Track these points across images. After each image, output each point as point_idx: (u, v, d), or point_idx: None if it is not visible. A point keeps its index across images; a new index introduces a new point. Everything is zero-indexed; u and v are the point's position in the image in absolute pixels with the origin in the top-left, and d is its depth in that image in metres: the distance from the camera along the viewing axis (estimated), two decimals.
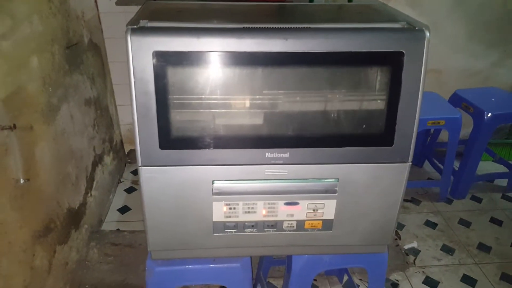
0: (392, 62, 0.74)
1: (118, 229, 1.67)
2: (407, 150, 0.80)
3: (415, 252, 1.69)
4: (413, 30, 0.74)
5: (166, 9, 0.90)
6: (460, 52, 2.10)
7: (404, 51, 0.73)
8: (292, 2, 1.56)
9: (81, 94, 1.54)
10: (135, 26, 0.70)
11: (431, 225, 1.85)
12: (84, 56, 1.59)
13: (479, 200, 2.02)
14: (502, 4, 2.00)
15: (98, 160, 1.71)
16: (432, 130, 2.16)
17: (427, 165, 2.20)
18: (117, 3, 1.70)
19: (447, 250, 1.70)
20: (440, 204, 1.98)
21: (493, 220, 1.88)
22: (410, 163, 0.82)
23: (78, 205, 1.47)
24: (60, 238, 1.29)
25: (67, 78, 1.40)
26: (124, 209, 1.85)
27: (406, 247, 1.70)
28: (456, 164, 1.97)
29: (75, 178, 1.44)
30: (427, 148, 2.20)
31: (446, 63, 2.09)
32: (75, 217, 1.44)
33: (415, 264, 1.63)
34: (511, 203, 1.99)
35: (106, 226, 1.72)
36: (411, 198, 2.01)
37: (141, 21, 0.72)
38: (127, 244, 1.54)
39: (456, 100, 1.95)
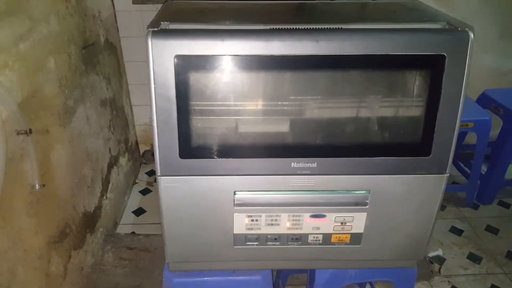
0: (432, 66, 0.68)
1: (133, 232, 1.66)
2: (446, 161, 0.74)
3: (440, 260, 1.61)
4: (456, 31, 0.67)
5: (187, 9, 0.86)
6: (489, 50, 1.99)
7: (445, 54, 0.66)
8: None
9: (97, 95, 1.52)
10: (156, 29, 0.65)
11: (457, 231, 1.76)
12: (100, 56, 1.56)
13: (507, 206, 1.92)
14: None
15: (113, 162, 1.70)
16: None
17: (452, 168, 2.09)
18: (133, 2, 1.67)
19: (474, 258, 1.62)
20: (466, 209, 1.89)
21: None
22: (448, 175, 0.76)
23: (93, 208, 1.45)
24: (75, 243, 1.28)
25: (83, 79, 1.38)
26: (139, 211, 1.83)
27: (430, 255, 1.63)
28: (483, 168, 1.87)
29: (90, 181, 1.42)
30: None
31: (475, 62, 1.97)
32: (90, 220, 1.42)
33: (440, 273, 1.55)
34: None
35: (121, 229, 1.71)
36: (442, 199, 1.92)
37: (162, 23, 0.68)
38: (142, 248, 1.51)
39: (485, 101, 1.85)
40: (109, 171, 1.63)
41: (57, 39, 1.18)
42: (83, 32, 1.39)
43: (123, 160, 1.83)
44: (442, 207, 1.89)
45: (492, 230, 1.78)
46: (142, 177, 2.05)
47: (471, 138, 1.89)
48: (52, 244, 1.13)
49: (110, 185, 1.64)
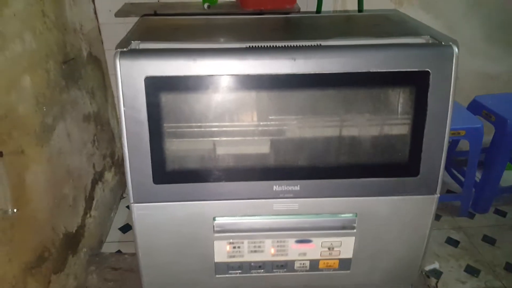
0: (416, 83, 0.65)
1: (119, 251, 1.60)
2: (435, 181, 0.71)
3: (437, 274, 1.57)
4: (440, 46, 0.65)
5: (162, 26, 0.83)
6: (478, 55, 1.98)
7: (429, 70, 0.63)
8: (299, 11, 1.47)
9: (80, 110, 1.48)
10: (125, 49, 0.62)
11: (453, 243, 1.72)
12: (82, 70, 1.52)
13: (503, 214, 1.88)
14: None
15: (98, 178, 1.64)
16: (450, 140, 2.04)
17: (446, 176, 2.07)
18: (116, 15, 1.63)
19: (472, 271, 1.58)
20: (462, 219, 1.85)
21: None
22: (438, 195, 0.72)
23: (76, 228, 1.40)
24: (55, 266, 1.22)
25: (63, 95, 1.33)
26: (126, 228, 1.78)
27: (427, 268, 1.58)
28: (478, 175, 1.84)
29: (72, 200, 1.37)
30: (446, 158, 2.07)
31: (463, 68, 1.96)
32: (72, 241, 1.36)
33: None
34: None
35: (106, 247, 1.65)
36: (433, 221, 1.88)
37: (132, 42, 0.64)
38: (127, 268, 1.45)
39: (476, 107, 1.83)
40: (93, 188, 1.58)
41: (34, 55, 1.14)
42: (63, 47, 1.35)
43: (108, 175, 1.78)
44: (437, 217, 1.85)
45: (489, 240, 1.74)
46: None
47: (464, 144, 1.87)
48: (29, 270, 1.07)
49: (94, 202, 1.58)
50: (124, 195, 1.96)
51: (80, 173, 1.45)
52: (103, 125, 1.73)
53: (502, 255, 1.62)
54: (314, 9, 1.60)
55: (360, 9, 1.50)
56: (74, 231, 1.37)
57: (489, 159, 1.77)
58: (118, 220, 1.80)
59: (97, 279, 1.42)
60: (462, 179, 1.82)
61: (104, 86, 1.76)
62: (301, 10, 1.58)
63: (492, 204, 1.86)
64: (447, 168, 2.03)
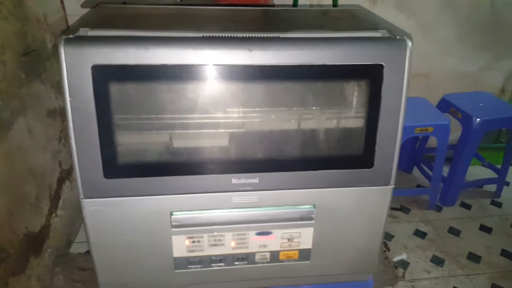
0: (370, 76, 0.66)
1: (88, 251, 1.55)
2: (389, 172, 0.72)
3: (405, 264, 1.61)
4: (394, 40, 0.66)
5: (119, 14, 0.80)
6: (450, 55, 2.04)
7: (383, 63, 0.64)
8: (273, 6, 1.46)
9: (43, 105, 1.41)
10: (70, 36, 0.59)
11: (421, 234, 1.78)
12: (47, 63, 1.46)
13: (468, 207, 1.96)
14: (489, 5, 1.95)
15: (65, 176, 1.58)
16: (420, 137, 2.10)
17: (416, 172, 2.14)
18: (82, 6, 1.57)
19: (437, 261, 1.63)
20: (430, 212, 1.91)
21: (482, 228, 1.82)
22: (393, 186, 0.74)
23: (39, 228, 1.34)
24: (14, 268, 1.16)
25: (23, 89, 1.27)
26: None
27: (395, 259, 1.63)
28: (446, 170, 1.90)
29: (34, 198, 1.31)
30: (416, 154, 2.14)
31: (435, 67, 2.03)
32: (35, 242, 1.31)
33: (404, 278, 1.55)
34: (499, 209, 1.93)
35: (76, 247, 1.59)
36: (400, 206, 1.93)
37: (81, 29, 0.61)
38: None
39: (444, 105, 1.89)
40: (59, 186, 1.52)
41: None
42: (23, 37, 1.29)
43: None
44: (407, 210, 1.91)
45: (454, 231, 1.81)
46: None
47: (434, 141, 1.93)
48: None
49: (60, 201, 1.52)
50: None
51: (44, 171, 1.39)
52: None
53: (466, 245, 1.69)
54: (291, 4, 1.60)
55: (335, 4, 1.51)
56: (37, 231, 1.31)
57: (456, 155, 1.84)
58: None
59: (63, 280, 1.37)
60: (431, 174, 1.88)
61: None
62: (279, 3, 1.57)
63: (458, 197, 1.93)
64: (417, 164, 2.10)
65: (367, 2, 1.86)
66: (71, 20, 1.68)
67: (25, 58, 1.28)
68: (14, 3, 1.23)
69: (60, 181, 1.53)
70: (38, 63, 1.38)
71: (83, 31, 0.61)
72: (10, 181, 1.16)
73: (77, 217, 1.68)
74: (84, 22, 0.68)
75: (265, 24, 0.83)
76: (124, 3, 1.52)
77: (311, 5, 1.77)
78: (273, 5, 1.51)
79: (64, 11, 1.64)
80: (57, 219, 1.47)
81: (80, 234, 1.67)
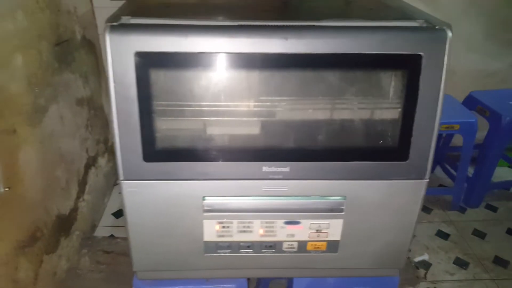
0: (408, 66, 0.64)
1: (111, 235, 1.60)
2: (424, 166, 0.71)
3: (426, 265, 1.59)
4: (433, 30, 0.64)
5: (154, 4, 0.82)
6: (476, 51, 1.98)
7: (422, 53, 0.63)
8: None
9: (73, 94, 1.47)
10: (115, 23, 0.61)
11: (443, 235, 1.74)
12: (76, 53, 1.51)
13: (494, 209, 1.90)
14: None
15: (91, 162, 1.64)
16: (444, 134, 2.05)
17: (438, 171, 2.09)
18: None
19: (461, 263, 1.60)
20: (453, 213, 1.87)
21: (509, 232, 1.76)
22: (427, 180, 0.73)
23: (68, 210, 1.40)
24: (48, 247, 1.22)
25: (56, 77, 1.32)
26: (119, 213, 1.78)
27: (416, 259, 1.60)
28: (470, 170, 1.85)
29: (65, 182, 1.37)
30: (439, 153, 2.08)
31: (460, 64, 1.97)
32: (65, 223, 1.36)
33: (426, 279, 1.53)
34: None
35: (99, 232, 1.65)
36: (422, 206, 1.90)
37: (122, 17, 0.63)
38: (120, 252, 1.46)
39: (471, 102, 1.83)
40: (86, 172, 1.58)
41: (25, 35, 1.13)
42: (56, 28, 1.33)
43: (102, 161, 1.77)
44: (429, 210, 1.87)
45: (479, 234, 1.76)
46: None
47: (458, 140, 1.88)
48: (20, 249, 1.07)
49: (87, 186, 1.58)
50: (117, 182, 1.95)
51: (73, 157, 1.44)
52: (97, 110, 1.72)
53: (491, 249, 1.64)
54: None
55: None
56: (67, 213, 1.37)
57: (482, 154, 1.78)
58: (111, 206, 1.80)
59: (89, 262, 1.43)
60: (455, 174, 1.83)
61: (97, 71, 1.75)
62: None
63: (483, 199, 1.88)
64: (440, 163, 2.05)
65: None
66: (98, 13, 1.73)
67: (58, 48, 1.33)
68: None
69: (87, 167, 1.59)
70: (68, 53, 1.42)
71: (125, 19, 0.63)
72: (44, 165, 1.21)
73: (101, 203, 1.74)
74: (123, 11, 0.70)
75: (297, 13, 0.82)
76: None
77: None
78: None
79: (92, 3, 1.69)
80: (84, 203, 1.52)
81: (104, 219, 1.72)
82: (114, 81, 0.62)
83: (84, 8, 1.60)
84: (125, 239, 1.52)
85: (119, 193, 1.96)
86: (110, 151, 1.89)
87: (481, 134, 1.84)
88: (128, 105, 0.64)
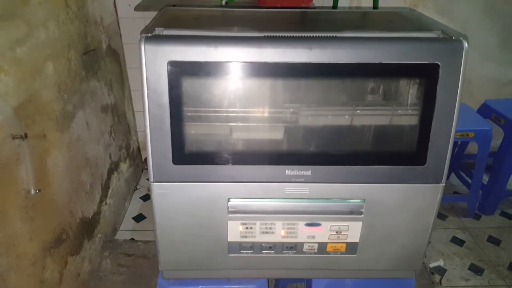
0: (426, 75, 0.68)
1: (132, 239, 1.65)
2: (441, 170, 0.73)
3: (441, 271, 1.58)
4: (450, 40, 0.67)
5: (184, 16, 0.87)
6: (491, 61, 1.99)
7: (439, 63, 0.66)
8: (315, 8, 1.51)
9: (98, 101, 1.53)
10: (149, 34, 0.66)
11: (458, 242, 1.73)
12: (102, 62, 1.58)
13: (509, 217, 1.89)
14: None
15: (114, 168, 1.70)
16: (459, 142, 2.05)
17: (453, 178, 2.08)
18: (136, 9, 1.69)
19: (476, 270, 1.59)
20: (468, 220, 1.86)
21: None
22: (444, 184, 0.75)
23: (92, 214, 1.45)
24: (72, 249, 1.27)
25: (83, 85, 1.39)
26: (139, 218, 1.83)
27: (431, 265, 1.60)
28: (485, 178, 1.85)
29: (89, 186, 1.42)
30: (454, 160, 2.08)
31: (475, 72, 1.98)
32: (88, 226, 1.42)
33: (441, 284, 1.52)
34: None
35: (120, 235, 1.70)
36: (438, 209, 1.89)
37: (156, 28, 0.68)
38: (140, 255, 1.50)
39: (486, 111, 1.84)
40: (109, 177, 1.64)
41: (56, 44, 1.20)
42: (84, 37, 1.41)
43: (124, 166, 1.83)
44: (444, 217, 1.87)
45: (494, 241, 1.75)
46: (143, 183, 2.05)
47: (473, 148, 1.88)
48: (48, 250, 1.12)
49: (110, 190, 1.63)
50: (137, 187, 2.01)
51: (97, 162, 1.50)
52: (120, 117, 1.78)
53: (507, 255, 1.63)
54: (330, 6, 1.64)
55: (375, 6, 1.53)
56: (90, 216, 1.42)
57: (497, 162, 1.78)
58: (132, 210, 1.85)
59: (111, 264, 1.47)
60: (470, 181, 1.83)
61: (121, 79, 1.82)
62: (319, 5, 1.62)
63: (498, 206, 1.87)
64: (454, 171, 2.04)
65: (408, 6, 1.85)
66: (122, 23, 1.81)
67: (85, 57, 1.40)
68: (79, 6, 1.36)
69: (110, 172, 1.65)
70: (95, 62, 1.50)
71: (158, 31, 0.68)
72: (70, 168, 1.27)
73: (122, 207, 1.79)
74: (156, 23, 0.75)
75: (318, 25, 0.86)
76: (174, 6, 1.62)
77: (350, 7, 1.79)
78: (315, 7, 1.56)
79: (117, 14, 1.77)
80: (106, 207, 1.58)
81: (124, 223, 1.78)
82: (148, 89, 0.67)
83: (109, 18, 1.68)
84: (146, 242, 1.57)
85: (140, 198, 2.01)
86: (131, 157, 1.95)
87: (495, 142, 1.84)
88: (160, 111, 0.68)
